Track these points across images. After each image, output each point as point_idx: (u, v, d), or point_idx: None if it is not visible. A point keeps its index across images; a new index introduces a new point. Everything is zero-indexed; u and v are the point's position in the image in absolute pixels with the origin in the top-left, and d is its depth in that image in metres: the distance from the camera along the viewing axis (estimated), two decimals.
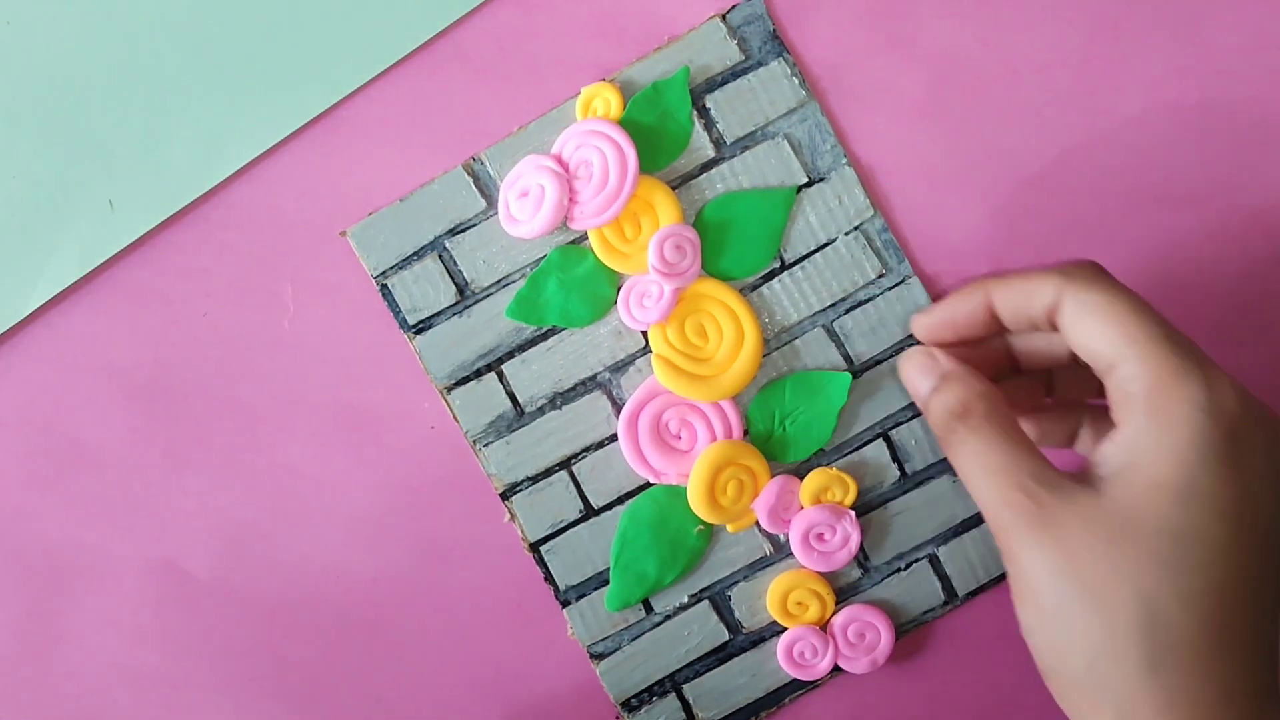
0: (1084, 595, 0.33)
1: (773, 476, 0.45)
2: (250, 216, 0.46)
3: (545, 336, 0.45)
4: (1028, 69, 0.46)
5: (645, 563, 0.45)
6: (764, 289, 0.46)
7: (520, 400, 0.46)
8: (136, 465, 0.46)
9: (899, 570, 0.46)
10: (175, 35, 0.45)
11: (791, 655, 0.45)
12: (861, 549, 0.46)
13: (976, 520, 0.46)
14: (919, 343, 0.43)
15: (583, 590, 0.46)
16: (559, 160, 0.45)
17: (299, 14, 0.45)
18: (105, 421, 0.46)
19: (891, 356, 0.46)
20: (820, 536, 0.45)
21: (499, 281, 0.45)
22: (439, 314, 0.45)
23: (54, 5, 0.45)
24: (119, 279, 0.46)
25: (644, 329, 0.45)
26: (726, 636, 0.46)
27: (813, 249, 0.46)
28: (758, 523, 0.45)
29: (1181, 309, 0.46)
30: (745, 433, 0.46)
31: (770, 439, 0.45)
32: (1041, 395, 0.43)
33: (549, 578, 0.46)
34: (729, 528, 0.45)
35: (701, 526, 0.45)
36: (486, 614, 0.46)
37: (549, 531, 0.46)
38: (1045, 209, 0.46)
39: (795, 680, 0.46)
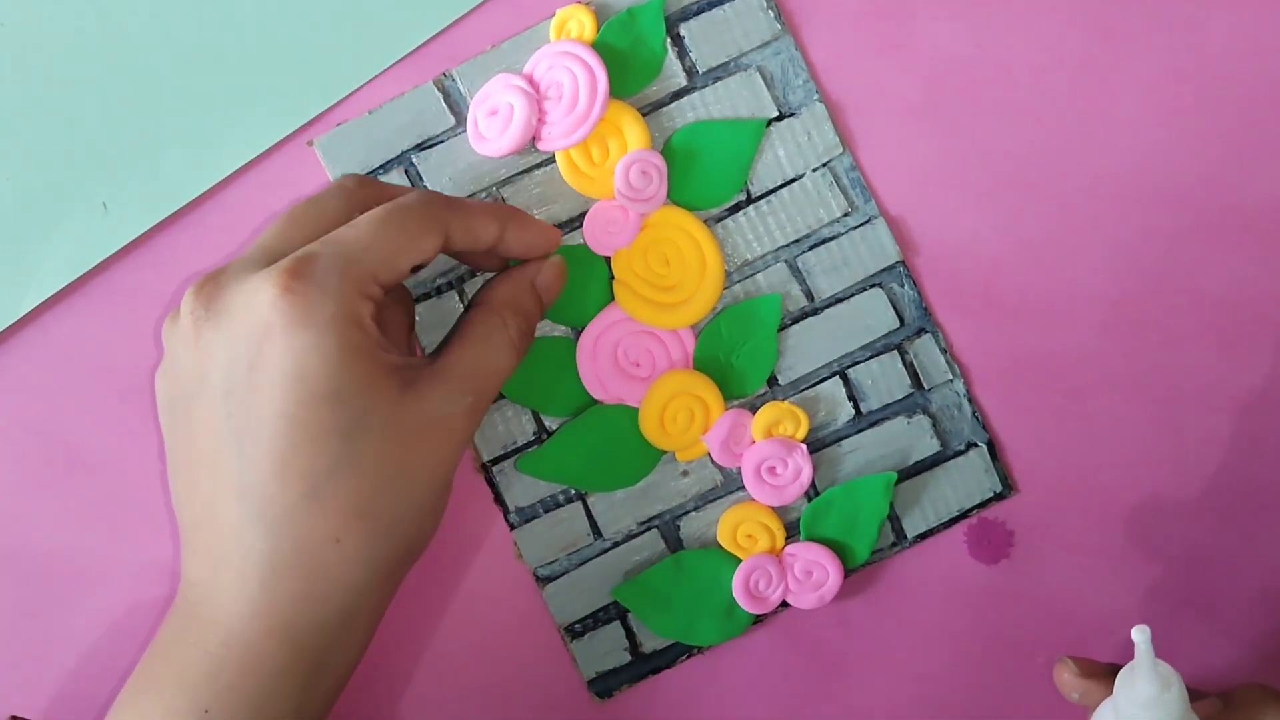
0: None
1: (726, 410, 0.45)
2: (245, 219, 0.45)
3: None
4: (1024, 70, 0.46)
5: (577, 454, 0.45)
6: (729, 221, 0.46)
7: None
8: (131, 468, 0.46)
9: None
10: (170, 37, 0.45)
11: (748, 587, 0.45)
12: (813, 484, 0.46)
13: (930, 463, 0.46)
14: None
15: (532, 513, 0.46)
16: (530, 80, 0.45)
17: (294, 17, 0.45)
18: (99, 424, 0.46)
19: (854, 295, 0.46)
20: (772, 470, 0.45)
21: None
22: None
23: (48, 7, 0.45)
24: (113, 281, 0.46)
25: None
26: None
27: (780, 184, 0.46)
28: (710, 455, 0.45)
29: (1178, 310, 0.46)
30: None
31: (724, 374, 0.45)
32: None
33: (499, 499, 0.46)
34: (676, 455, 0.45)
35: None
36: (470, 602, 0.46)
37: (501, 453, 0.46)
38: (1041, 209, 0.46)
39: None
